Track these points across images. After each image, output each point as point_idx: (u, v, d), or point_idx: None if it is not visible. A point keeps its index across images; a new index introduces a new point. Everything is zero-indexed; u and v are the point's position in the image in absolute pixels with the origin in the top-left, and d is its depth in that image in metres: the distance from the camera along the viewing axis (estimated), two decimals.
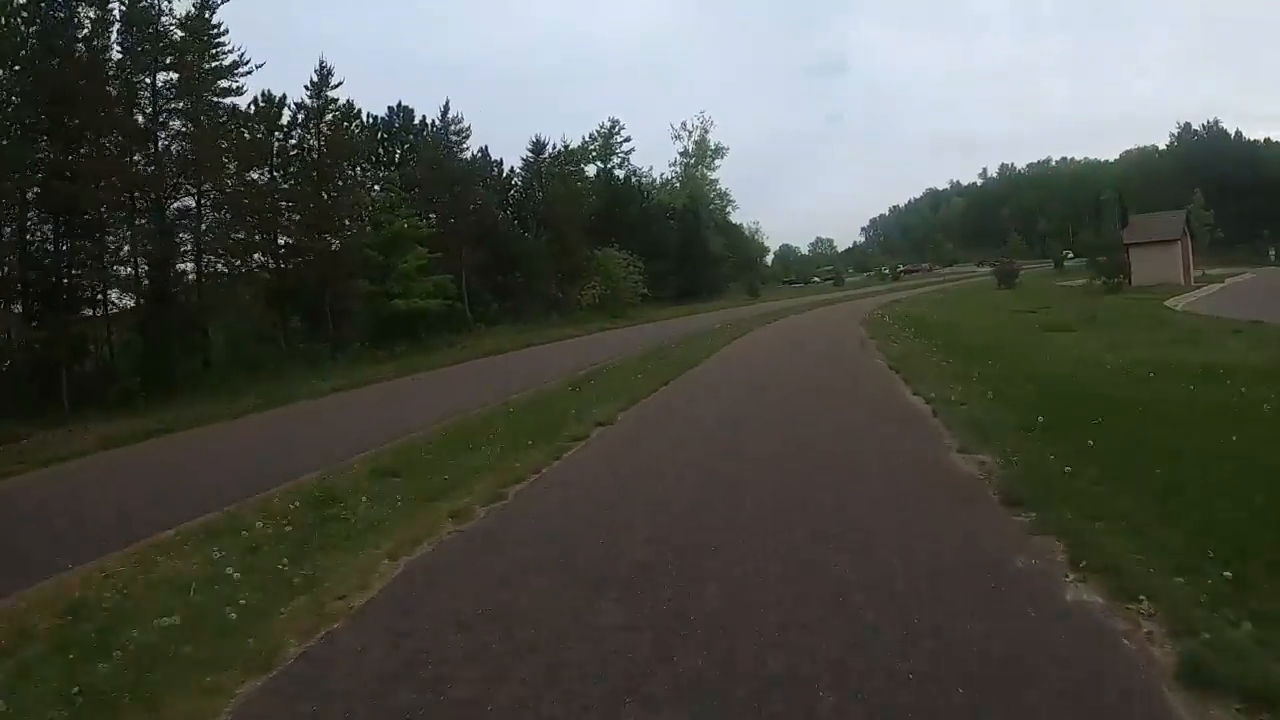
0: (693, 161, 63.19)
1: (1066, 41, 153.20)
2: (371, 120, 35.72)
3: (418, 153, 36.49)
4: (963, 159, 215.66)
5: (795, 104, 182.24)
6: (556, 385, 13.77)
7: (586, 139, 59.15)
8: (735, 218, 74.14)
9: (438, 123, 37.24)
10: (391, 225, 29.20)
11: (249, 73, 23.87)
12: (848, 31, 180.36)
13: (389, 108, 37.95)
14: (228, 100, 24.05)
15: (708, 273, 57.31)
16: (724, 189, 65.06)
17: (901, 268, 74.61)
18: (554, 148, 46.37)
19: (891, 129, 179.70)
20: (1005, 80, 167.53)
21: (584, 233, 42.01)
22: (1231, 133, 63.20)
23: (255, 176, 25.49)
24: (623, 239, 45.58)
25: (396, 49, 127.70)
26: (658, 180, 64.33)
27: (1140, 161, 78.32)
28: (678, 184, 63.04)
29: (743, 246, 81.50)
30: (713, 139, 63.61)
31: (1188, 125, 67.95)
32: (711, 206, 63.83)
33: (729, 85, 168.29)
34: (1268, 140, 60.85)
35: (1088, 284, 31.22)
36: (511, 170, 44.31)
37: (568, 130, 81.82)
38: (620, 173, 57.21)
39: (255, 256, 25.46)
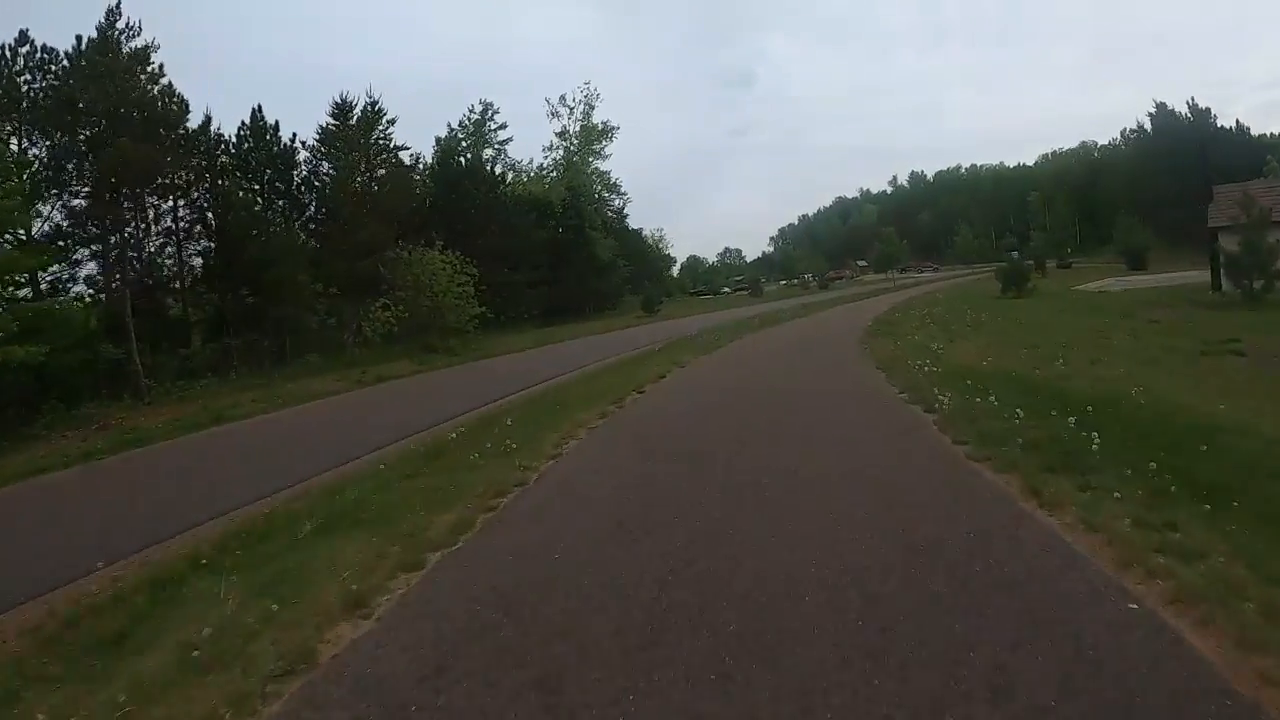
0: (575, 146, 50.63)
1: (973, 54, 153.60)
2: None
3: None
4: (872, 168, 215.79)
5: (705, 116, 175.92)
6: None
7: (454, 127, 46.20)
8: (634, 222, 62.19)
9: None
10: None
11: None
12: (757, 45, 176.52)
13: None
14: None
15: (593, 284, 44.85)
16: (614, 179, 52.67)
17: (830, 273, 64.98)
18: (368, 109, 32.49)
19: (800, 140, 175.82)
20: (913, 92, 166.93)
21: (395, 227, 28.66)
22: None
23: None
24: (462, 239, 32.39)
25: (317, 65, 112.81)
26: (532, 168, 51.54)
27: (1064, 162, 72.99)
28: (555, 173, 50.36)
29: (643, 254, 70.11)
30: (599, 117, 51.17)
31: (1163, 106, 52.89)
32: (598, 201, 51.40)
33: (640, 97, 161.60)
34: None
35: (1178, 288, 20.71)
36: (294, 142, 30.15)
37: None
38: (471, 156, 44.30)
39: None
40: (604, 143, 50.10)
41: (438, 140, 46.42)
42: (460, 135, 51.43)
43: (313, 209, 28.87)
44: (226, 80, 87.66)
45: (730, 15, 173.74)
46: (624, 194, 53.66)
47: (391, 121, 32.31)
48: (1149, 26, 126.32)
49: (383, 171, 32.30)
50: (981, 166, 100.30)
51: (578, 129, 49.89)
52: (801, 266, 67.55)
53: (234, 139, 28.09)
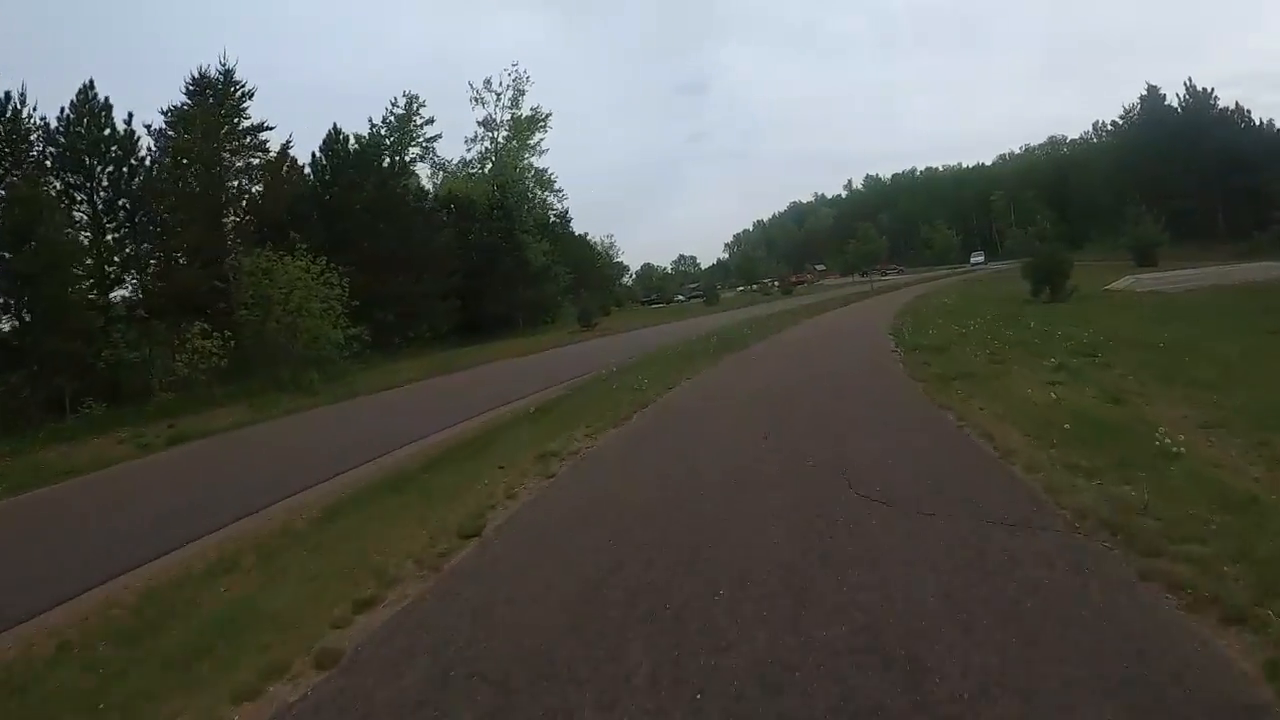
0: (503, 137, 44.54)
1: (925, 60, 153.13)
2: None
3: None
4: (827, 173, 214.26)
5: (662, 124, 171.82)
6: None
7: (376, 124, 40.02)
8: (593, 230, 56.66)
9: None
10: None
11: None
12: (711, 53, 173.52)
13: None
14: None
15: (524, 294, 38.85)
16: (550, 175, 46.60)
17: (793, 277, 59.98)
18: (218, 82, 25.96)
19: (754, 147, 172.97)
20: (866, 98, 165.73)
21: (251, 228, 22.43)
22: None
23: None
24: (346, 243, 26.22)
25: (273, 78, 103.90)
26: (457, 165, 45.31)
27: (1030, 160, 69.96)
28: (480, 168, 44.27)
29: (590, 261, 64.44)
30: (529, 103, 44.88)
31: (1154, 90, 45.17)
32: (533, 200, 45.43)
33: (597, 107, 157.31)
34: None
35: None
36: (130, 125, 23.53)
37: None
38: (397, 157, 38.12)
39: None
40: (537, 134, 44.10)
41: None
42: (383, 131, 45.03)
43: (128, 207, 22.17)
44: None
45: (685, 23, 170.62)
46: (560, 191, 47.58)
47: (249, 94, 25.88)
48: (1100, 30, 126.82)
49: (243, 163, 25.94)
50: (940, 168, 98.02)
51: (507, 118, 43.83)
52: (762, 271, 62.22)
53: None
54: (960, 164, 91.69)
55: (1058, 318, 14.00)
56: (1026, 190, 64.26)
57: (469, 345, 29.81)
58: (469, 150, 44.51)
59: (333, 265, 20.53)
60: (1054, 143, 66.76)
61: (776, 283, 55.81)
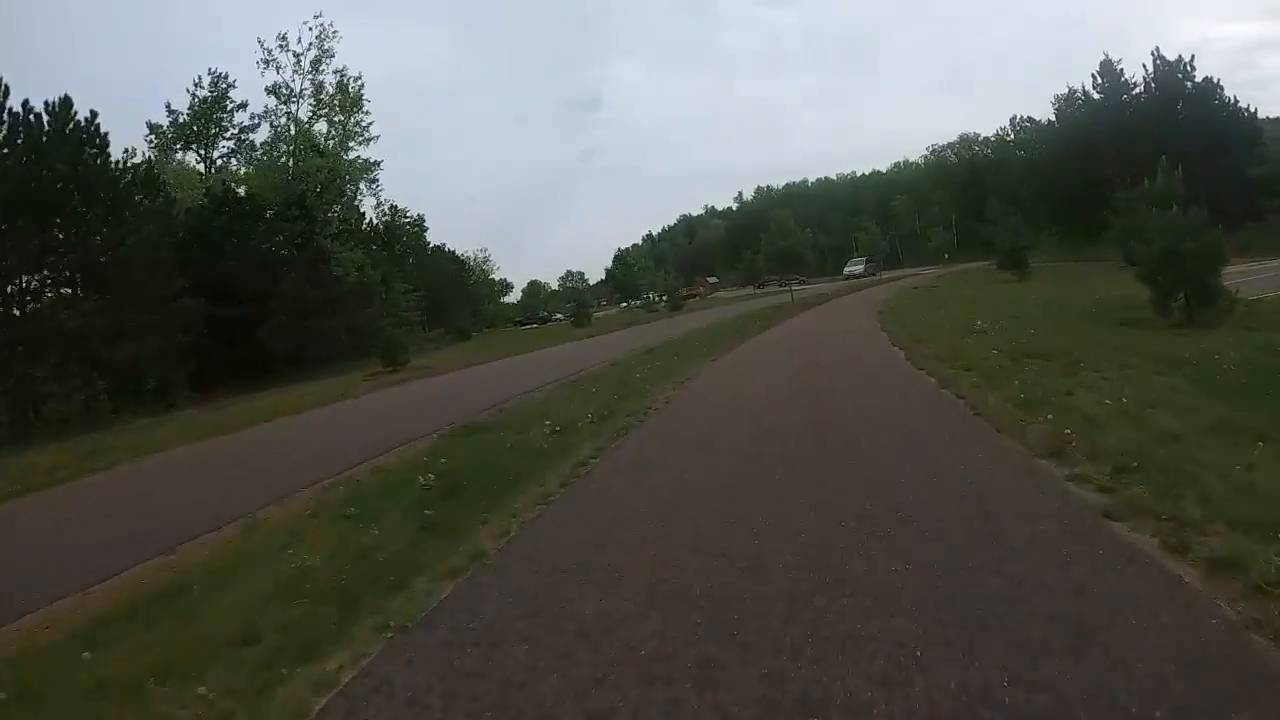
0: (305, 111, 33.81)
1: (814, 76, 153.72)
2: None
3: None
4: (717, 188, 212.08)
5: (553, 140, 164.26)
6: None
7: (175, 110, 29.12)
8: (461, 242, 47.17)
9: None
10: None
11: None
12: (605, 69, 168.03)
13: None
14: None
15: (323, 322, 28.39)
16: (371, 160, 35.90)
17: (683, 290, 51.88)
18: None
19: (646, 162, 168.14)
20: (756, 113, 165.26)
21: None
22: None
23: None
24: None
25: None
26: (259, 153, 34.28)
27: (936, 164, 66.40)
28: (270, 154, 33.39)
29: (452, 276, 54.34)
30: (334, 68, 34.30)
31: (1111, 64, 37.00)
32: (350, 197, 34.94)
33: (489, 121, 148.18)
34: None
35: None
36: None
37: None
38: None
39: None
40: (354, 114, 33.68)
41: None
42: (186, 117, 33.40)
43: None
44: None
45: (579, 39, 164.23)
46: (378, 186, 36.91)
47: None
48: (988, 46, 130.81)
49: None
50: (835, 177, 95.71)
51: (307, 85, 33.19)
52: (646, 282, 53.52)
53: None
54: (854, 172, 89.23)
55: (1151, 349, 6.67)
56: (935, 192, 60.71)
57: (206, 404, 19.42)
58: (255, 128, 33.32)
59: None
60: (964, 141, 63.25)
61: (663, 297, 47.79)
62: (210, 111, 34.42)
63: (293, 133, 33.14)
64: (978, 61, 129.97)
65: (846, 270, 54.21)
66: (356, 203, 35.31)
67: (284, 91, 33.04)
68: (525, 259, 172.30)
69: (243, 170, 32.91)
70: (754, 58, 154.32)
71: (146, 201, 22.25)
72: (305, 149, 33.00)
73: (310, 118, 33.22)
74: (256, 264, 28.18)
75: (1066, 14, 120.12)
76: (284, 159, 32.82)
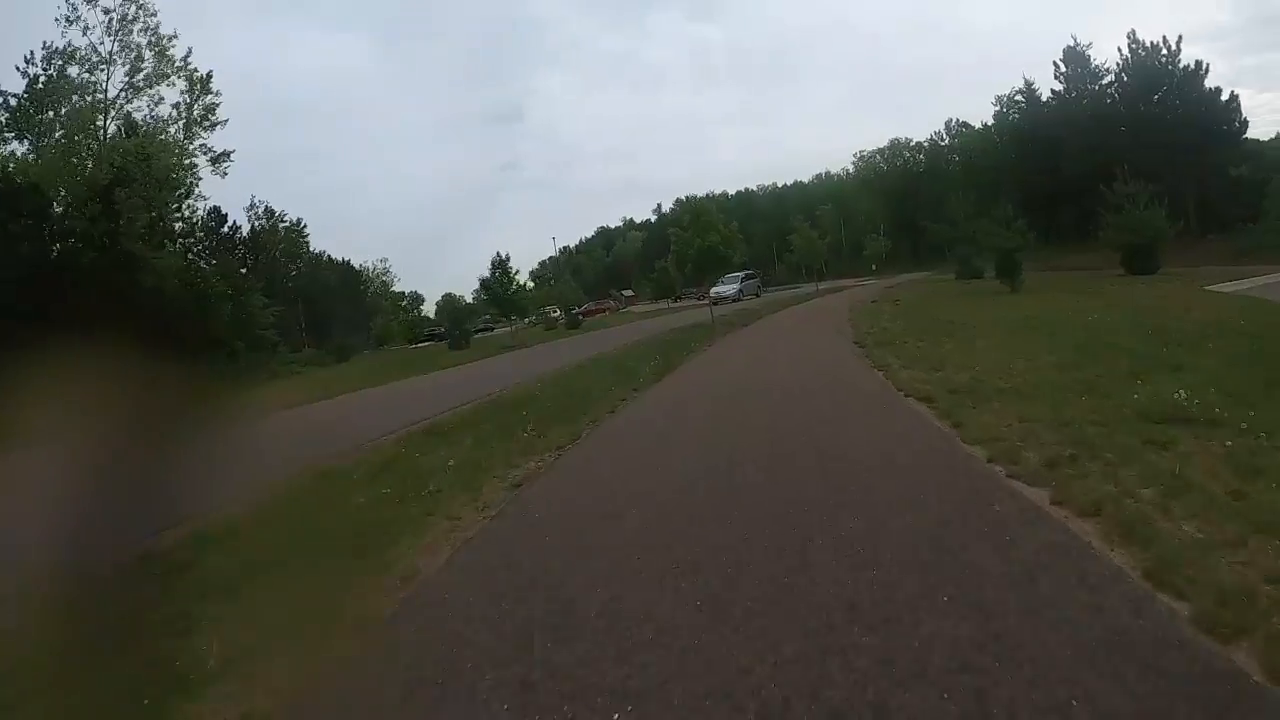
0: (117, 83, 26.85)
1: (737, 92, 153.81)
2: None
3: None
4: (637, 201, 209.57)
5: (473, 153, 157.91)
6: None
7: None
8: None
9: None
10: None
11: None
12: (526, 81, 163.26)
13: None
14: None
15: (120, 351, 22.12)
16: (223, 153, 29.16)
17: (584, 307, 47.23)
18: None
19: (566, 176, 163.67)
20: (680, 128, 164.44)
21: None
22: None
23: None
24: None
25: None
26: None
27: (868, 171, 64.47)
28: (74, 135, 26.38)
29: (345, 289, 47.68)
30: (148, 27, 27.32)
31: (1074, 50, 35.66)
32: (182, 193, 28.27)
33: (408, 133, 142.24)
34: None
35: None
36: None
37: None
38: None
39: None
40: (175, 79, 27.00)
41: None
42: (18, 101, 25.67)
43: None
44: None
45: (501, 51, 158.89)
46: (223, 169, 30.05)
47: None
48: (907, 62, 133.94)
49: None
50: (755, 188, 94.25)
51: (116, 48, 26.41)
52: (545, 297, 47.82)
53: None
54: (775, 184, 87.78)
55: None
56: (863, 200, 58.60)
57: None
58: (43, 103, 26.18)
59: None
60: (895, 146, 61.28)
61: (558, 313, 42.75)
62: (47, 96, 27.21)
63: (100, 109, 26.29)
64: (902, 78, 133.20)
65: (715, 292, 36.50)
66: (191, 199, 28.66)
67: (88, 58, 26.21)
68: (445, 272, 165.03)
69: (30, 157, 25.76)
70: (679, 72, 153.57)
71: None
72: (118, 129, 26.33)
73: (124, 90, 26.48)
74: (35, 271, 21.59)
75: (988, 23, 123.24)
76: (85, 141, 25.93)
